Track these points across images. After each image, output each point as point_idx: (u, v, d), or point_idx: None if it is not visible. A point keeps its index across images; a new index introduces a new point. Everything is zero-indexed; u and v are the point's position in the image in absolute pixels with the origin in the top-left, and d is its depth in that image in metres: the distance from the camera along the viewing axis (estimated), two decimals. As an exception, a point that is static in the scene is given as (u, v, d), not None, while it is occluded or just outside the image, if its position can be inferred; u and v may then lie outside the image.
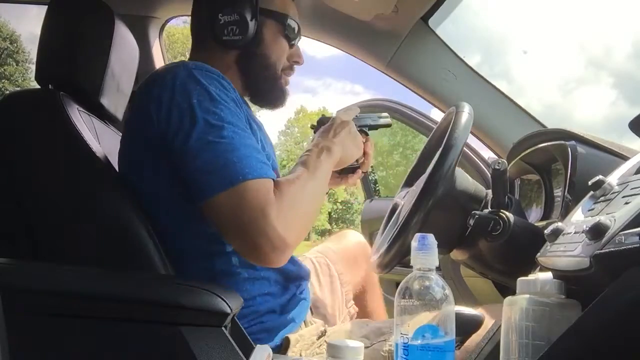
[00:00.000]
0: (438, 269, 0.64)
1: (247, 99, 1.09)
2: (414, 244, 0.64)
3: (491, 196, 1.00)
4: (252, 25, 1.00)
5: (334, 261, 1.31)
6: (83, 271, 0.82)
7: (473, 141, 1.68)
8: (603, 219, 0.61)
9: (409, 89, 1.64)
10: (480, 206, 1.02)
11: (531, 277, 0.68)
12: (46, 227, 0.89)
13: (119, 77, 1.07)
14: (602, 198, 0.72)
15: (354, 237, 1.42)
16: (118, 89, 1.08)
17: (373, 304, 1.37)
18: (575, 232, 0.68)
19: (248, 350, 0.73)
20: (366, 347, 0.88)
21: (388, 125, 1.20)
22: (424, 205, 0.92)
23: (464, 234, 0.99)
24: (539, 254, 0.75)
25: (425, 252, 0.63)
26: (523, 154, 1.19)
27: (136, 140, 0.92)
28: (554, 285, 0.65)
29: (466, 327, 0.92)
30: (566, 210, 0.92)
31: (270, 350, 0.72)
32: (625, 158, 0.89)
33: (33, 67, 1.08)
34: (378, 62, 1.64)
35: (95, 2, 1.03)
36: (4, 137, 0.92)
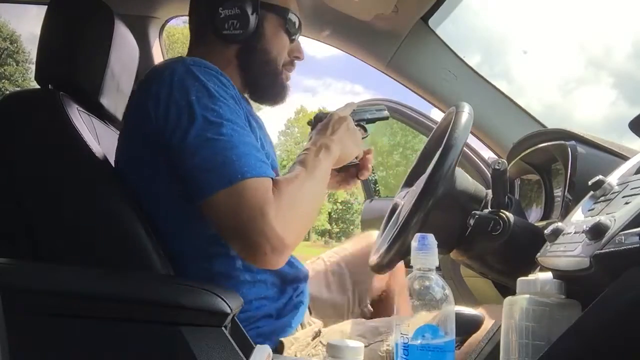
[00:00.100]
0: (438, 269, 0.64)
1: (246, 95, 1.07)
2: (414, 244, 0.64)
3: (491, 196, 1.00)
4: (253, 19, 0.99)
5: (348, 260, 1.29)
6: (83, 271, 0.82)
7: (473, 141, 1.69)
8: (603, 219, 0.61)
9: (409, 89, 1.64)
10: (480, 206, 1.02)
11: (531, 277, 0.68)
12: (46, 227, 0.89)
13: (119, 77, 1.07)
14: (602, 198, 0.72)
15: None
16: (118, 89, 1.08)
17: (403, 306, 1.34)
18: (575, 232, 0.68)
19: (248, 351, 0.73)
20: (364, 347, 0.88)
21: (386, 118, 1.20)
22: (424, 205, 0.92)
23: (464, 234, 0.98)
24: (539, 254, 0.75)
25: (425, 252, 0.63)
26: (523, 154, 1.19)
27: (134, 138, 0.92)
28: (554, 285, 0.65)
29: (466, 327, 0.92)
30: (566, 210, 0.92)
31: (270, 350, 0.72)
32: (625, 158, 0.89)
33: (33, 67, 1.08)
34: (378, 62, 1.64)
35: (95, 2, 1.03)
36: (4, 137, 0.92)
